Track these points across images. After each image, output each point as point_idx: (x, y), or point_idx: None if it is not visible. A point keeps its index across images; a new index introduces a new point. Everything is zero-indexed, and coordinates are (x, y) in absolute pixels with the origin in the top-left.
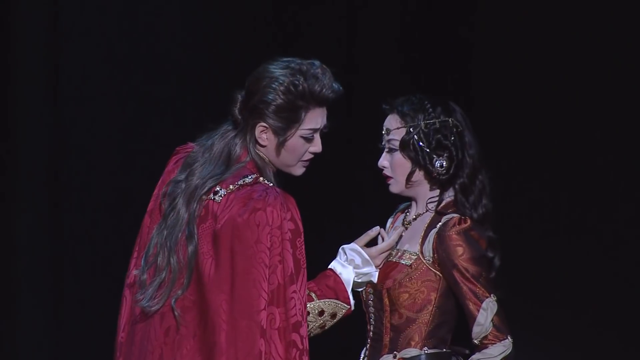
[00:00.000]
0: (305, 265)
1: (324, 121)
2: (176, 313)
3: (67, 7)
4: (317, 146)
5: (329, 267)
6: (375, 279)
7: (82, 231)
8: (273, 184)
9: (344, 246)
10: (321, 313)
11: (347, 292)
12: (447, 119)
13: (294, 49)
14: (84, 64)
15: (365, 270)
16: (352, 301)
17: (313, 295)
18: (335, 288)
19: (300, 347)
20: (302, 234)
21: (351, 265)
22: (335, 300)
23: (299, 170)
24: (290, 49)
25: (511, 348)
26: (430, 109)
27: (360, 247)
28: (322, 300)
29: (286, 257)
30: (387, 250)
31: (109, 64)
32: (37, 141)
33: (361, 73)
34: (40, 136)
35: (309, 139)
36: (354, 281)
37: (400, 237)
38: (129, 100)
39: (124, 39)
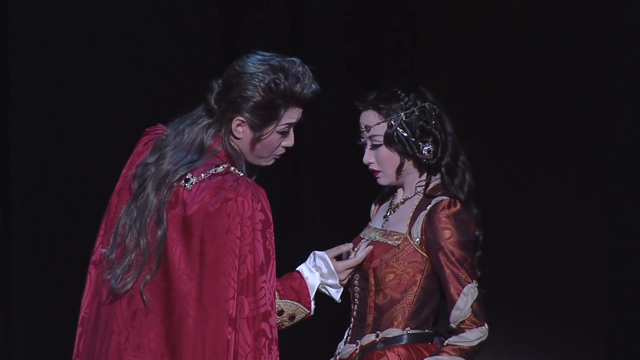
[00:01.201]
0: (274, 255)
1: (300, 116)
2: (145, 297)
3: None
4: (290, 141)
5: (297, 269)
6: (337, 298)
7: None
8: (244, 174)
9: (316, 252)
10: (280, 313)
11: (309, 297)
12: (423, 103)
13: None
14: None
15: (329, 282)
16: (313, 306)
17: (276, 293)
18: (299, 291)
19: (270, 336)
20: (272, 224)
21: (318, 272)
22: (296, 303)
23: (269, 162)
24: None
25: (487, 335)
26: (406, 98)
27: (330, 258)
28: (283, 301)
29: (257, 247)
30: (352, 267)
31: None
32: None
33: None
34: None
35: (284, 133)
36: (317, 289)
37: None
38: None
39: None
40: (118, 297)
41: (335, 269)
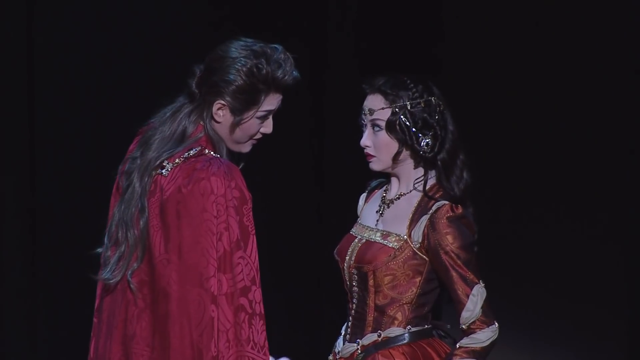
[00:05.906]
0: (254, 231)
1: (279, 104)
2: (132, 286)
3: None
4: (268, 127)
5: None
6: None
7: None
8: (219, 156)
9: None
10: None
11: None
12: (430, 97)
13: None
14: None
15: None
16: None
17: None
18: None
19: (250, 310)
20: (249, 201)
21: None
22: None
23: (247, 148)
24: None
25: (498, 333)
26: (414, 88)
27: None
28: None
29: (231, 224)
30: None
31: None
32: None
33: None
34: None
35: (263, 119)
36: None
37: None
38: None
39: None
40: (114, 291)
41: None
